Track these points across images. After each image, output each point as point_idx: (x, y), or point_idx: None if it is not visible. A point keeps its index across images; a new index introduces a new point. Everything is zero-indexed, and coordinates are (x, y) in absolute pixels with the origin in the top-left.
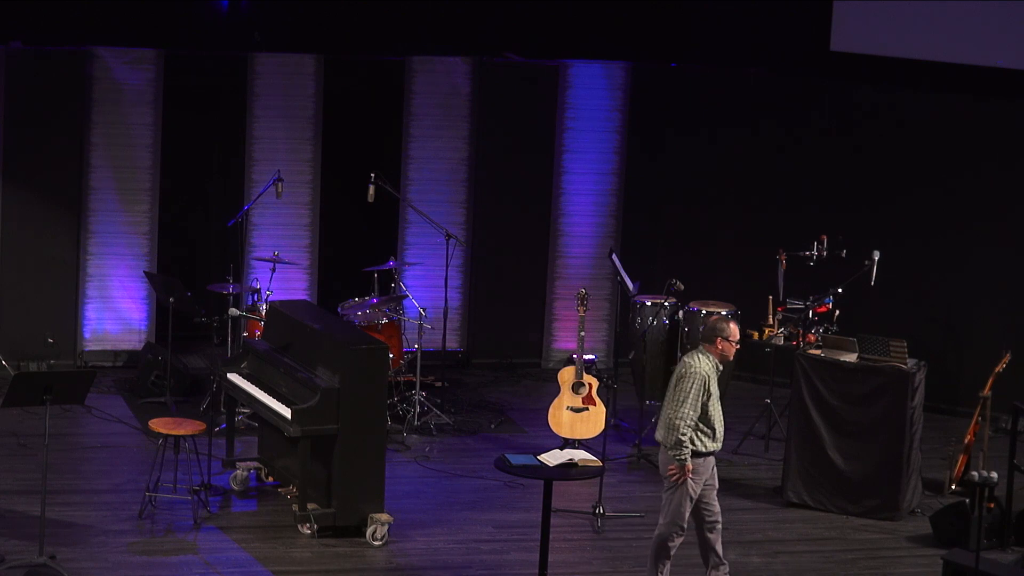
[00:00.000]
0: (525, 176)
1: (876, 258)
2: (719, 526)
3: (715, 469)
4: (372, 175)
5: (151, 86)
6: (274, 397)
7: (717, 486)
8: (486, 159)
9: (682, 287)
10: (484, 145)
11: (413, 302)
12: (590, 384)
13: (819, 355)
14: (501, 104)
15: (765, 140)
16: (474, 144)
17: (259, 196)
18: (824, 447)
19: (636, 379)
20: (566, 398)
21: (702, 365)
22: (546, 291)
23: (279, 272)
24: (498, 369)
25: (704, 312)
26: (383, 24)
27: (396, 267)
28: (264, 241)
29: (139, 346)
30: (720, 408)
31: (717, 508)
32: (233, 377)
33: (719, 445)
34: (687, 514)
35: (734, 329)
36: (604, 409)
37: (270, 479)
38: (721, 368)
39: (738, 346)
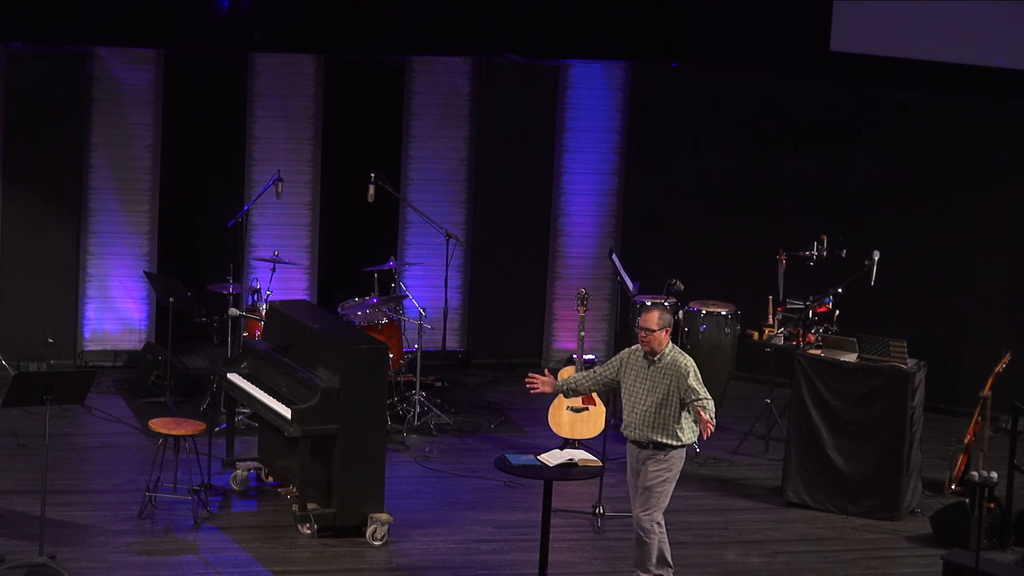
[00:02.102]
0: (525, 176)
1: (876, 258)
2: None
3: (644, 471)
4: (372, 175)
5: (151, 86)
6: (274, 397)
7: (639, 485)
8: (486, 159)
9: (682, 287)
10: (484, 145)
11: (413, 302)
12: None
13: (819, 355)
14: (501, 104)
15: (765, 140)
16: (474, 144)
17: (259, 196)
18: (824, 447)
19: None
20: (566, 398)
21: (629, 348)
22: (546, 291)
23: (279, 272)
24: (498, 369)
25: (704, 312)
26: (383, 24)
27: (396, 267)
28: (264, 241)
29: (139, 346)
30: (636, 398)
31: (635, 511)
32: (233, 377)
33: (626, 430)
34: (631, 498)
35: (643, 317)
36: (604, 409)
37: (270, 479)
38: (654, 361)
39: (643, 333)
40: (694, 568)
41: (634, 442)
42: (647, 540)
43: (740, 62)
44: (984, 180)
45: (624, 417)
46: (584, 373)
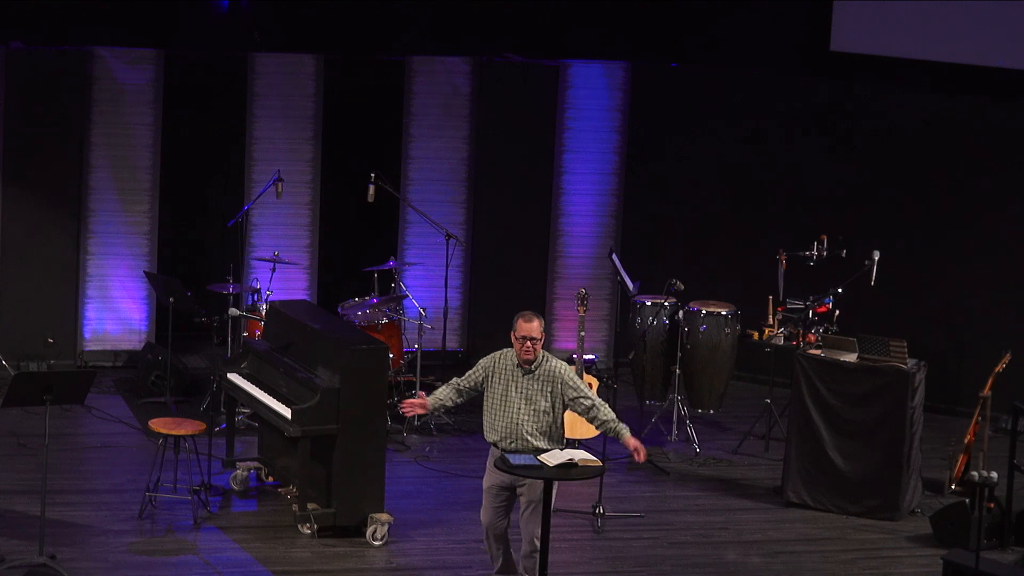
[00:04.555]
0: (525, 176)
1: (876, 258)
2: (528, 549)
3: (531, 484)
4: (372, 175)
5: (151, 86)
6: (274, 397)
7: (529, 499)
8: (486, 159)
9: (682, 287)
10: (484, 145)
11: (413, 302)
12: (590, 384)
13: (819, 355)
14: (501, 104)
15: (765, 140)
16: (474, 144)
17: (259, 196)
18: (824, 447)
19: (636, 379)
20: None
21: (491, 356)
22: (546, 291)
23: (279, 272)
24: None
25: (704, 312)
26: (383, 24)
27: (396, 267)
28: (264, 241)
29: (139, 346)
30: (511, 407)
31: (525, 529)
32: (233, 377)
33: (494, 437)
34: (484, 507)
35: (519, 324)
36: None
37: (270, 479)
38: (531, 370)
39: (528, 343)
40: (694, 568)
41: (512, 452)
42: (539, 550)
43: (740, 62)
44: (984, 180)
45: (491, 425)
46: (446, 387)
